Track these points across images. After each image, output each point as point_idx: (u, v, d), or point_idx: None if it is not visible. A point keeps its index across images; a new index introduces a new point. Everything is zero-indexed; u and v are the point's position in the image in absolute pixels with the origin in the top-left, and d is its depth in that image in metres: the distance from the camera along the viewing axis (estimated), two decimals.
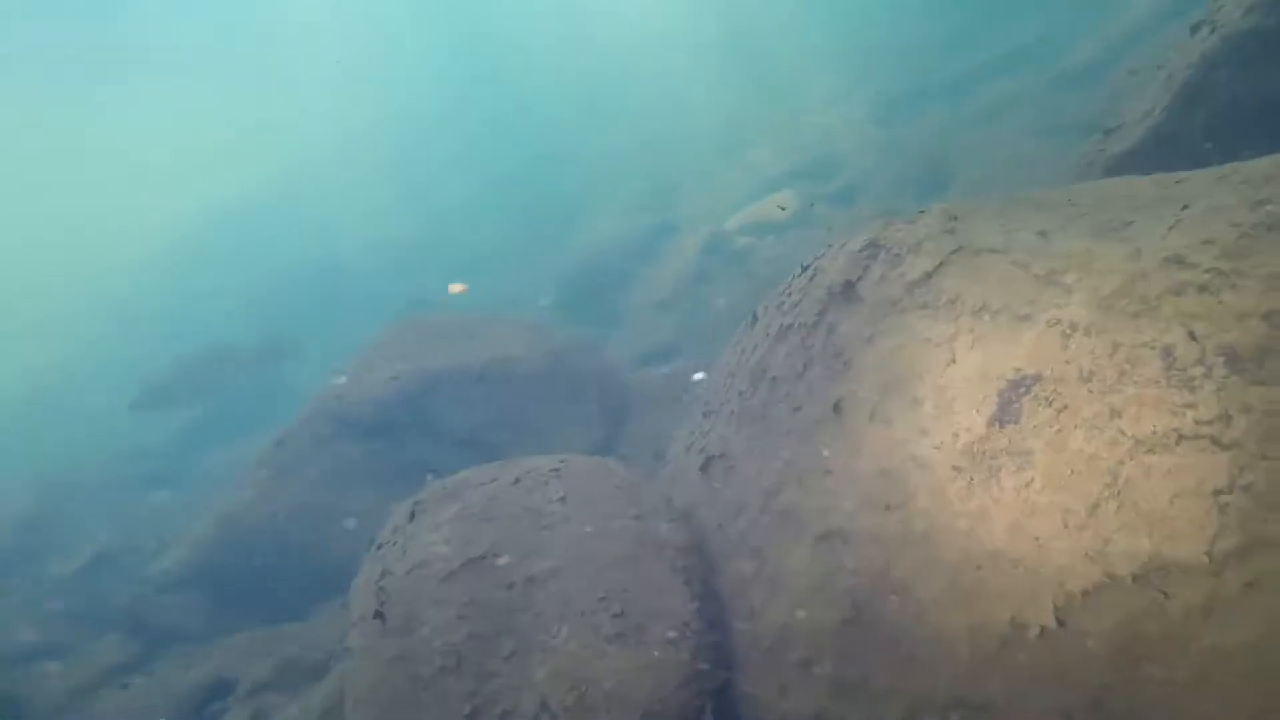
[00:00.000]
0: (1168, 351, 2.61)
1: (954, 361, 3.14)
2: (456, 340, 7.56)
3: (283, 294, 15.81)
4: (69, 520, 10.12)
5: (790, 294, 4.21)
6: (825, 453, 3.31)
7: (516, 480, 4.01)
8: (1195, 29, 5.41)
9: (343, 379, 7.28)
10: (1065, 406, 2.79)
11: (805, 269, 4.29)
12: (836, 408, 3.39)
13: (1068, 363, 2.88)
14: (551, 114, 19.74)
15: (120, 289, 18.52)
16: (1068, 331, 2.94)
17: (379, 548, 4.26)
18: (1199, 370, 2.51)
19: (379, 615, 3.56)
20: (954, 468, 2.92)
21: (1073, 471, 2.64)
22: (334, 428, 7.16)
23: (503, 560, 3.48)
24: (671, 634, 3.13)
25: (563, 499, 3.72)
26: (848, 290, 3.82)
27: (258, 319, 14.46)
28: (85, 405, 14.75)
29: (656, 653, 3.07)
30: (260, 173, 21.73)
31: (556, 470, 3.98)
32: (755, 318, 4.57)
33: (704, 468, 3.99)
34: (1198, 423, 2.44)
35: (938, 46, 14.29)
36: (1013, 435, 2.87)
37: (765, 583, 3.27)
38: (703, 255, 10.41)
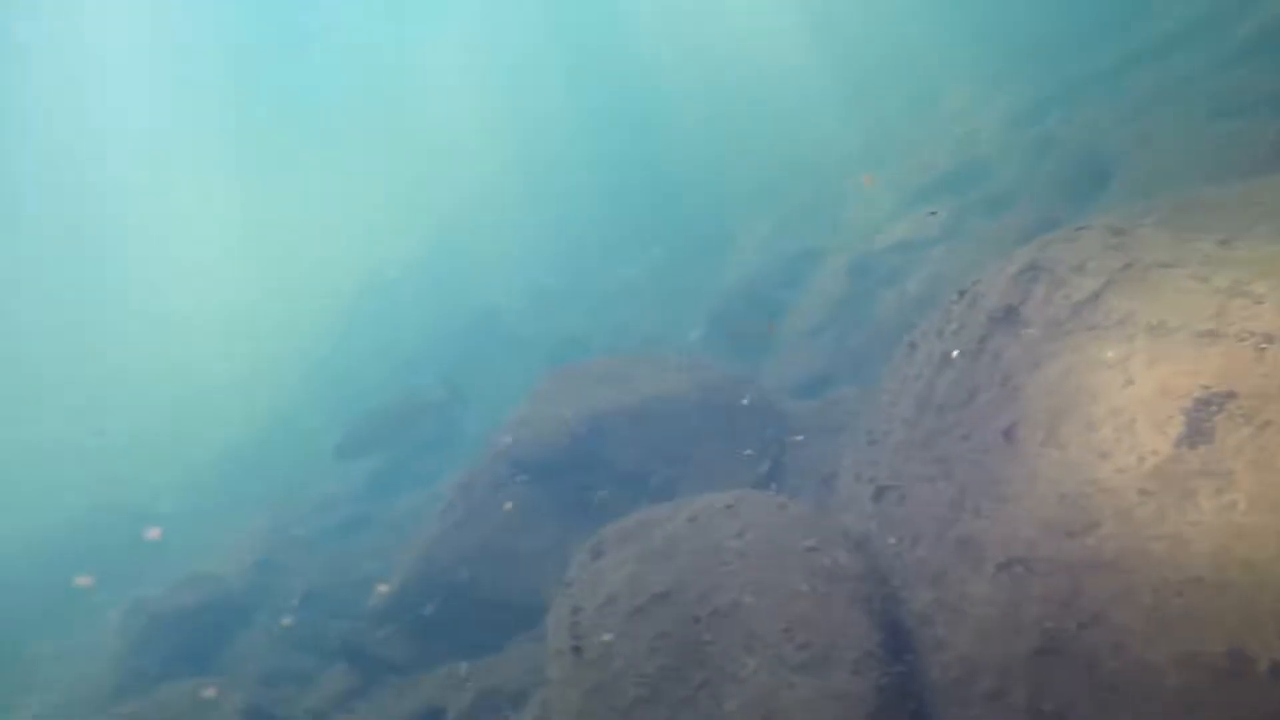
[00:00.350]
0: None
1: (1131, 383, 3.08)
2: (614, 383, 7.94)
3: (445, 343, 16.98)
4: (287, 562, 11.31)
5: (949, 320, 4.23)
6: (999, 481, 3.32)
7: (692, 519, 4.22)
8: None
9: (508, 439, 7.77)
10: (1268, 423, 2.70)
11: (963, 294, 4.29)
12: (1008, 435, 3.39)
13: (1266, 377, 2.78)
14: (689, 150, 20.14)
15: (307, 345, 20.35)
16: (1263, 344, 2.85)
17: (568, 586, 4.59)
18: None
19: (577, 650, 3.85)
20: (1141, 491, 2.87)
21: None
22: (511, 471, 7.68)
23: (687, 595, 3.70)
24: (857, 663, 3.23)
25: (739, 534, 3.90)
26: (1010, 315, 3.81)
27: (427, 368, 15.61)
28: (280, 457, 16.35)
29: (844, 682, 3.17)
30: (423, 227, 23.37)
31: (731, 507, 4.17)
32: (914, 345, 4.60)
33: (876, 498, 4.06)
34: None
35: (1084, 37, 13.56)
36: (1207, 456, 2.79)
37: (948, 612, 3.30)
38: (851, 278, 10.36)
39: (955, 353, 3.94)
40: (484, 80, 27.79)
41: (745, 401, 7.35)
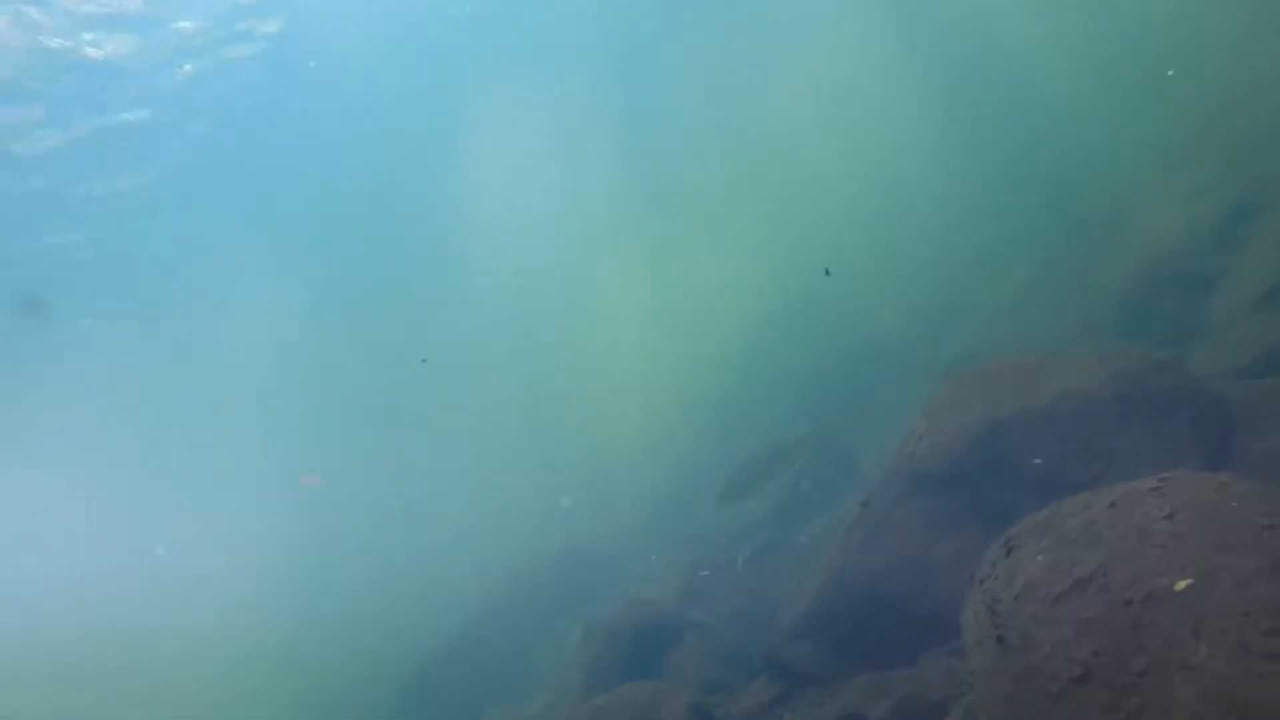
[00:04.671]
0: None
1: None
2: (1016, 384, 7.52)
3: (831, 372, 17.21)
4: (707, 588, 12.37)
5: None
6: None
7: (1112, 504, 3.94)
8: None
9: (908, 452, 7.69)
10: None
11: None
12: None
13: None
14: (1067, 125, 18.19)
15: (706, 387, 21.83)
16: None
17: (981, 583, 4.51)
18: None
19: (999, 639, 3.80)
20: None
21: None
22: (910, 485, 7.65)
23: (1114, 580, 3.47)
24: None
25: (1169, 516, 3.55)
26: None
27: (809, 403, 15.98)
28: (694, 495, 17.74)
29: None
30: (794, 257, 23.95)
31: (1157, 489, 3.81)
32: None
33: None
34: None
35: None
36: None
37: None
38: None
39: None
40: (840, 105, 27.86)
41: (1173, 388, 6.49)
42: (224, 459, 30.33)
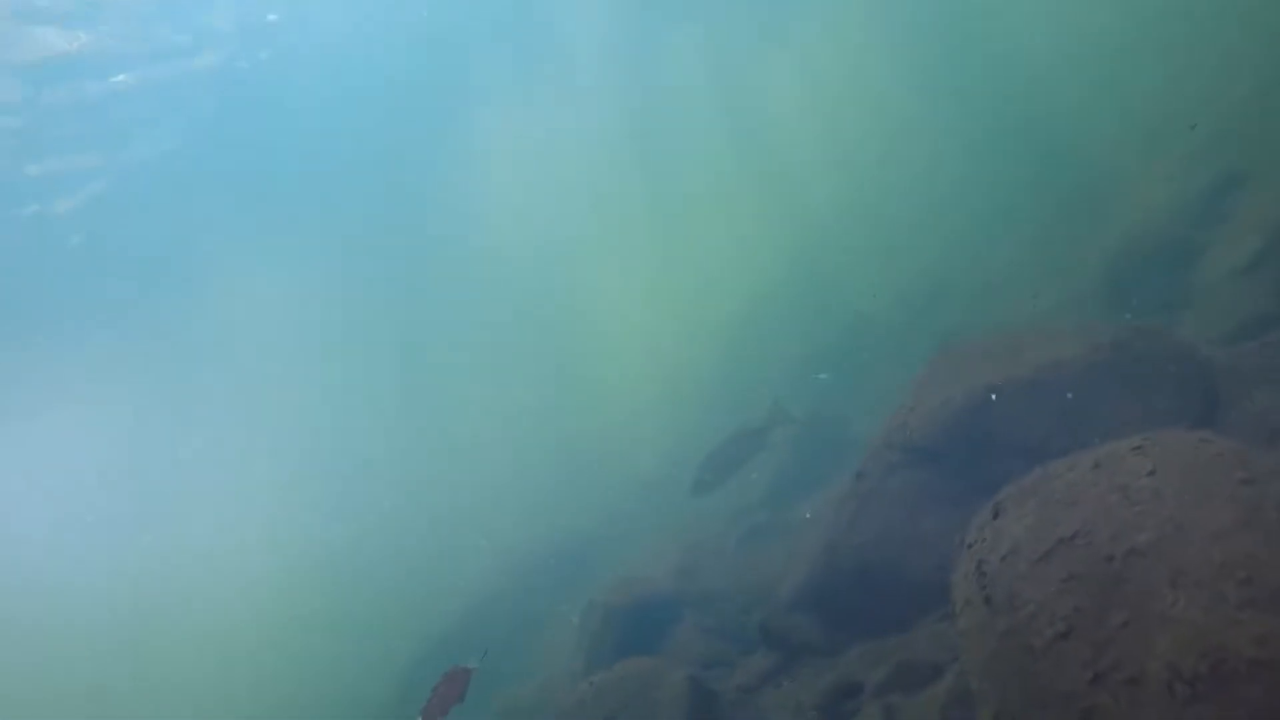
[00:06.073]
0: None
1: None
2: (1002, 356, 7.62)
3: (821, 352, 17.31)
4: (702, 566, 12.49)
5: None
6: None
7: (1096, 465, 4.03)
8: None
9: (897, 425, 7.76)
10: None
11: None
12: None
13: None
14: (1063, 110, 18.21)
15: (702, 364, 21.90)
16: None
17: (969, 546, 4.61)
18: None
19: (986, 599, 3.90)
20: None
21: None
22: (901, 457, 7.75)
23: (1094, 536, 3.56)
24: None
25: (1151, 473, 3.65)
26: None
27: (795, 385, 16.05)
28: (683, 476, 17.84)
29: None
30: (784, 245, 24.01)
31: (1139, 449, 3.90)
32: None
33: None
34: None
35: None
36: None
37: None
38: None
39: None
40: (833, 91, 27.86)
41: (1158, 356, 6.59)
42: (233, 449, 30.47)
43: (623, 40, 23.23)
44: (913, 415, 7.69)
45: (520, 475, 22.88)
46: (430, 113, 23.66)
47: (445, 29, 20.72)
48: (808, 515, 11.77)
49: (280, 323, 29.03)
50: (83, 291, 21.63)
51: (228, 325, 27.37)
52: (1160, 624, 3.18)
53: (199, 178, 20.73)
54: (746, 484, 14.36)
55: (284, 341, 29.69)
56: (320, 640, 18.25)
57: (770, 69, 26.80)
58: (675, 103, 27.10)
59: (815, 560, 8.25)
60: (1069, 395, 6.78)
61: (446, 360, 32.17)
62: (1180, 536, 3.32)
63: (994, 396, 7.25)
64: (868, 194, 24.00)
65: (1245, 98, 12.31)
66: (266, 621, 20.27)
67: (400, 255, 29.17)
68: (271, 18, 18.00)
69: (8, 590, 25.08)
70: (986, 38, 23.09)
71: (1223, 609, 3.07)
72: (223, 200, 22.00)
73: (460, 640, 15.16)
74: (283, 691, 17.31)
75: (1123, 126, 15.15)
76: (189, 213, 21.62)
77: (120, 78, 16.84)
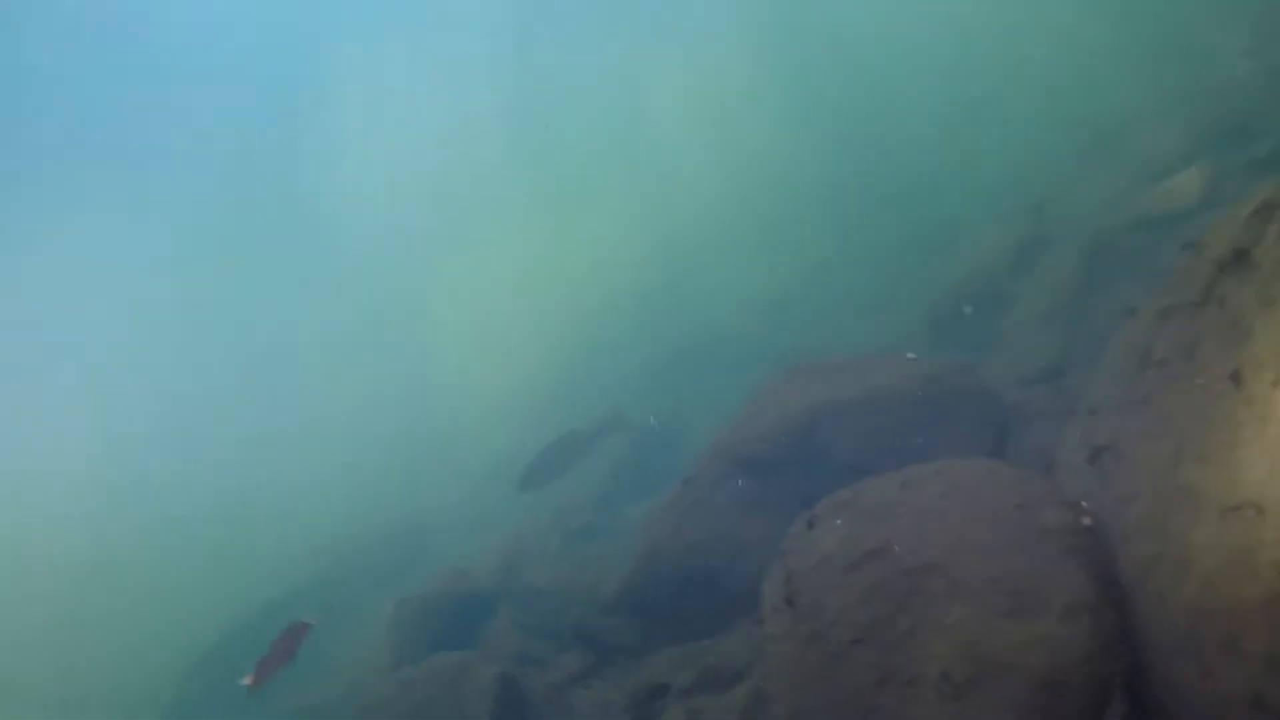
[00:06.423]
0: None
1: None
2: (833, 379, 8.04)
3: (666, 363, 17.64)
4: (525, 564, 12.36)
5: (1172, 275, 4.04)
6: (1224, 426, 3.15)
7: (903, 484, 4.32)
8: None
9: (728, 436, 8.03)
10: None
11: (1188, 247, 4.08)
12: (1235, 378, 3.21)
13: None
14: (916, 154, 19.45)
15: (553, 364, 21.67)
16: None
17: (784, 555, 4.82)
18: None
19: (790, 603, 4.08)
20: None
21: None
22: (730, 468, 8.00)
23: (896, 550, 3.82)
24: (1068, 610, 3.19)
25: (944, 495, 3.95)
26: (1240, 258, 3.59)
27: (645, 391, 16.29)
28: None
29: (1052, 627, 3.16)
30: (646, 248, 24.23)
31: (939, 472, 4.22)
32: (1134, 310, 4.41)
33: (1091, 459, 3.94)
34: None
35: None
36: None
37: (1170, 563, 3.16)
38: (1085, 261, 9.69)
39: (1178, 303, 3.78)
40: (704, 106, 28.39)
41: (965, 390, 7.18)
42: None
43: (503, 24, 22.81)
44: (743, 428, 7.96)
45: (354, 465, 21.88)
46: (288, 82, 22.30)
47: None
48: (625, 520, 11.95)
49: (95, 293, 26.33)
50: None
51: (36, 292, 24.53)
52: (937, 631, 3.44)
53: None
54: (578, 484, 14.39)
55: (96, 315, 26.96)
56: (98, 637, 16.57)
57: (654, 65, 27.08)
58: (553, 95, 26.89)
59: (636, 562, 8.36)
60: (889, 418, 7.25)
61: (286, 346, 30.34)
62: (961, 553, 3.62)
63: (824, 414, 7.64)
64: (733, 199, 24.60)
65: (1058, 168, 13.78)
66: (37, 625, 18.20)
67: (240, 233, 27.28)
68: None
69: None
70: (869, 72, 24.25)
71: (989, 617, 3.35)
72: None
73: (261, 630, 14.20)
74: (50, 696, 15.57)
75: (971, 179, 16.44)
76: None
77: None
